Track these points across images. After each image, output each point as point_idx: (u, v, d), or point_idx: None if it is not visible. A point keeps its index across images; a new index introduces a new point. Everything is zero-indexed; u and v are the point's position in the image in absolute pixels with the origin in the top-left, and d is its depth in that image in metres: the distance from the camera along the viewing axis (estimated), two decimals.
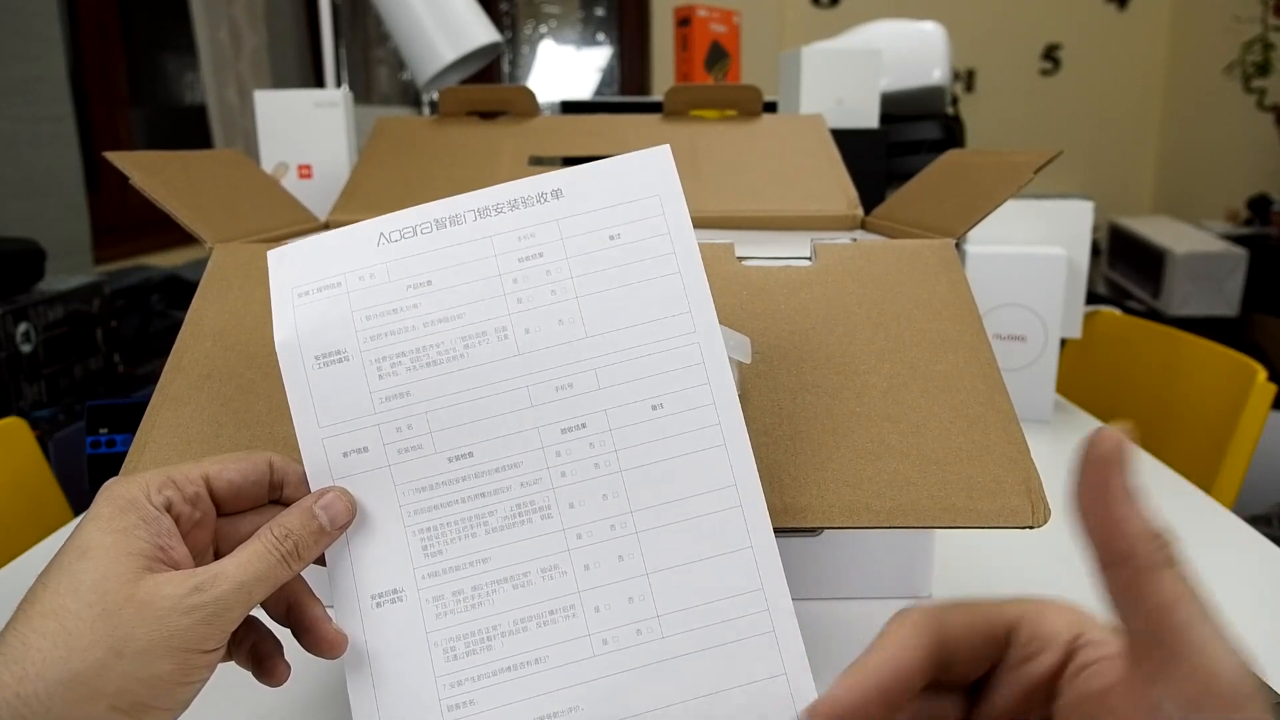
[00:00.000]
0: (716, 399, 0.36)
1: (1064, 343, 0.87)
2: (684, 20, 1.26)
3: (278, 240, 0.60)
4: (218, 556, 0.34)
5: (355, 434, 0.36)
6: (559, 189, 0.38)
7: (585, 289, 0.37)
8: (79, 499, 0.84)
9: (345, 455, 0.36)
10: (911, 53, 1.16)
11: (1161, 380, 1.03)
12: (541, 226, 0.38)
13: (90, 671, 0.28)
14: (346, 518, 0.35)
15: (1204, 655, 0.22)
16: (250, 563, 0.31)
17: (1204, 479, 0.84)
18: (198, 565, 0.32)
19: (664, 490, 0.36)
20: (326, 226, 0.69)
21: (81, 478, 0.72)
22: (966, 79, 3.15)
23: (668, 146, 0.39)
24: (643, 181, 0.38)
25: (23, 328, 1.06)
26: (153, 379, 1.27)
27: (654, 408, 0.36)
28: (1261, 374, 0.86)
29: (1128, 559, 0.23)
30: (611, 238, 0.38)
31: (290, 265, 0.38)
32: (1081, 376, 1.14)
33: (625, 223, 0.38)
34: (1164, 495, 0.69)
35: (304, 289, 0.38)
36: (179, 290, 1.53)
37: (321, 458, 0.36)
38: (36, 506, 0.82)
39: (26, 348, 1.06)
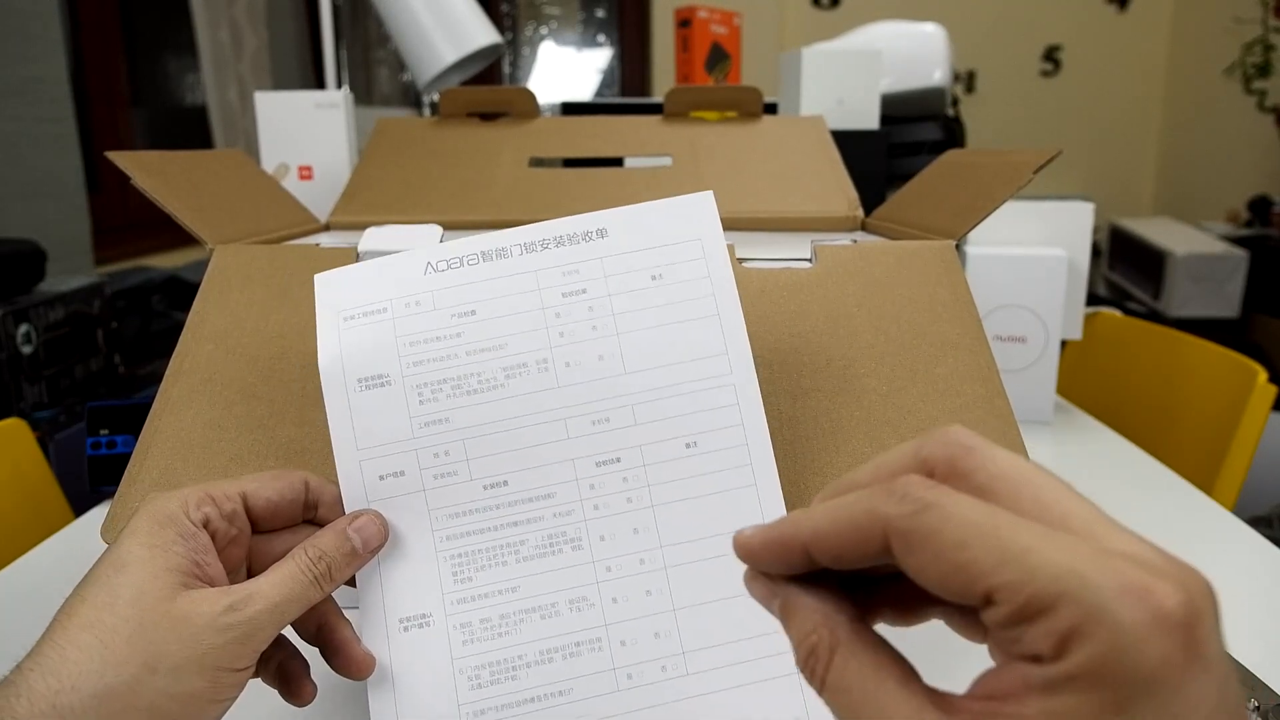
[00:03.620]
0: (749, 439, 0.37)
1: (1064, 344, 0.87)
2: (684, 21, 1.26)
3: (279, 241, 0.60)
4: (251, 574, 0.34)
5: (393, 458, 0.36)
6: (604, 228, 0.39)
7: (626, 326, 0.38)
8: (79, 500, 0.84)
9: (382, 478, 0.36)
10: (912, 54, 1.16)
11: (1162, 381, 1.03)
12: (586, 263, 0.38)
13: (124, 686, 0.28)
14: (379, 541, 0.35)
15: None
16: (283, 583, 0.32)
17: (1205, 480, 0.84)
18: (231, 582, 0.33)
19: (694, 527, 0.36)
20: (327, 228, 0.69)
21: (82, 479, 0.72)
22: (967, 80, 3.15)
23: (711, 192, 0.39)
24: (685, 224, 0.39)
25: (23, 329, 1.06)
26: (153, 380, 1.27)
27: (687, 446, 0.37)
28: (1262, 375, 0.86)
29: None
30: (653, 278, 0.38)
31: (337, 289, 0.39)
32: (1082, 378, 1.14)
33: (667, 264, 0.38)
34: (1164, 496, 0.69)
35: (350, 313, 0.38)
36: (180, 291, 1.53)
37: (358, 479, 0.36)
38: (37, 507, 0.82)
39: (27, 349, 1.07)
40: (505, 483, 0.36)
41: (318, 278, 0.39)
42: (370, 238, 0.56)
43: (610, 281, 0.38)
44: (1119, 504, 0.27)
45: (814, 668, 0.22)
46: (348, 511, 0.36)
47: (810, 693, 0.35)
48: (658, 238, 0.39)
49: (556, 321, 0.38)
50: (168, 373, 0.46)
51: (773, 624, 0.35)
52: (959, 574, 0.19)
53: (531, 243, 0.39)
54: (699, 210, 0.39)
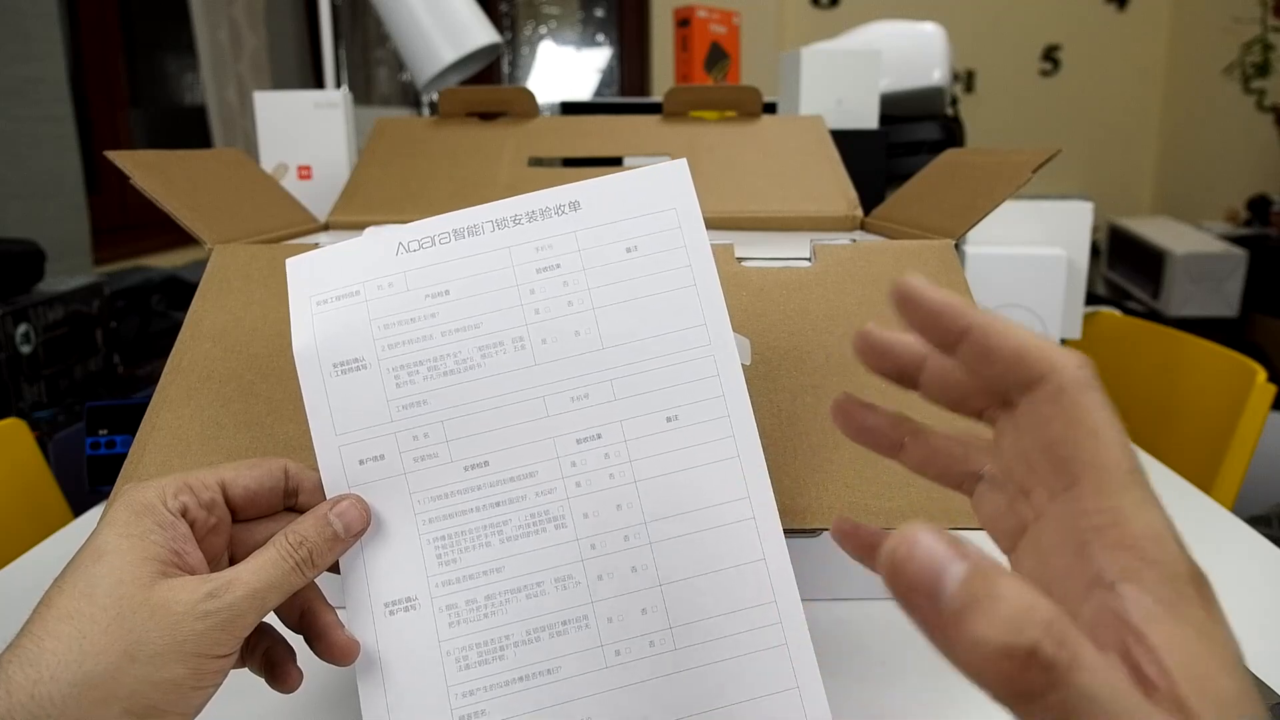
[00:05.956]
0: (731, 411, 0.37)
1: (1064, 343, 0.87)
2: (684, 21, 1.26)
3: (278, 240, 0.60)
4: (232, 562, 0.34)
5: (372, 442, 0.36)
6: (577, 201, 0.38)
7: (602, 300, 0.37)
8: (79, 499, 0.84)
9: (361, 463, 0.36)
10: (911, 53, 1.16)
11: (1161, 381, 1.03)
12: (559, 238, 0.38)
13: (104, 675, 0.28)
14: (361, 525, 0.35)
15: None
16: (264, 569, 0.32)
17: (1204, 479, 0.84)
18: (212, 571, 0.32)
19: (678, 502, 0.36)
20: (326, 228, 0.69)
21: (81, 478, 0.72)
22: (966, 80, 3.15)
23: (685, 160, 0.39)
24: (660, 195, 0.38)
25: (22, 328, 1.06)
26: (153, 380, 1.27)
27: (669, 419, 0.37)
28: (1261, 374, 0.86)
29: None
30: (628, 250, 0.38)
31: (309, 273, 0.38)
32: None
33: (642, 235, 0.38)
34: (1163, 495, 0.69)
35: (323, 297, 0.38)
36: (179, 291, 1.53)
37: (337, 465, 0.36)
38: (36, 507, 0.82)
39: (26, 348, 1.06)
40: (486, 463, 0.36)
41: (289, 262, 0.39)
42: (368, 237, 0.56)
43: (584, 255, 0.38)
44: None
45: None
46: (329, 497, 0.36)
47: (800, 663, 0.35)
48: (631, 209, 0.38)
49: (531, 298, 0.37)
50: (165, 370, 0.46)
51: (761, 597, 0.35)
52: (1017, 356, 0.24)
53: (503, 219, 0.38)
54: (673, 179, 0.39)
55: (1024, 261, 0.82)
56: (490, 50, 1.10)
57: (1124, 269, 2.69)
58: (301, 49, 2.95)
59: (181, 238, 0.87)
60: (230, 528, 0.35)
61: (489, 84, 0.82)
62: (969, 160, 0.59)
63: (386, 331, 0.37)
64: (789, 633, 0.35)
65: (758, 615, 0.35)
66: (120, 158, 0.52)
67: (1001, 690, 0.18)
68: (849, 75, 0.95)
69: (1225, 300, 2.33)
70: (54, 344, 1.12)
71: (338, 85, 1.08)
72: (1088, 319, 1.14)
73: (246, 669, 0.35)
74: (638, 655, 0.35)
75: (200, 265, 1.21)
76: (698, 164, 0.74)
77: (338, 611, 0.35)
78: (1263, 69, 2.60)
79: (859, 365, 0.47)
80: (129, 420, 0.72)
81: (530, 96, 0.79)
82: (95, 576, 0.29)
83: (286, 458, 0.36)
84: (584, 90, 3.36)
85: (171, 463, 0.43)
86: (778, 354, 0.46)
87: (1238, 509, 0.72)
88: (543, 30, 3.38)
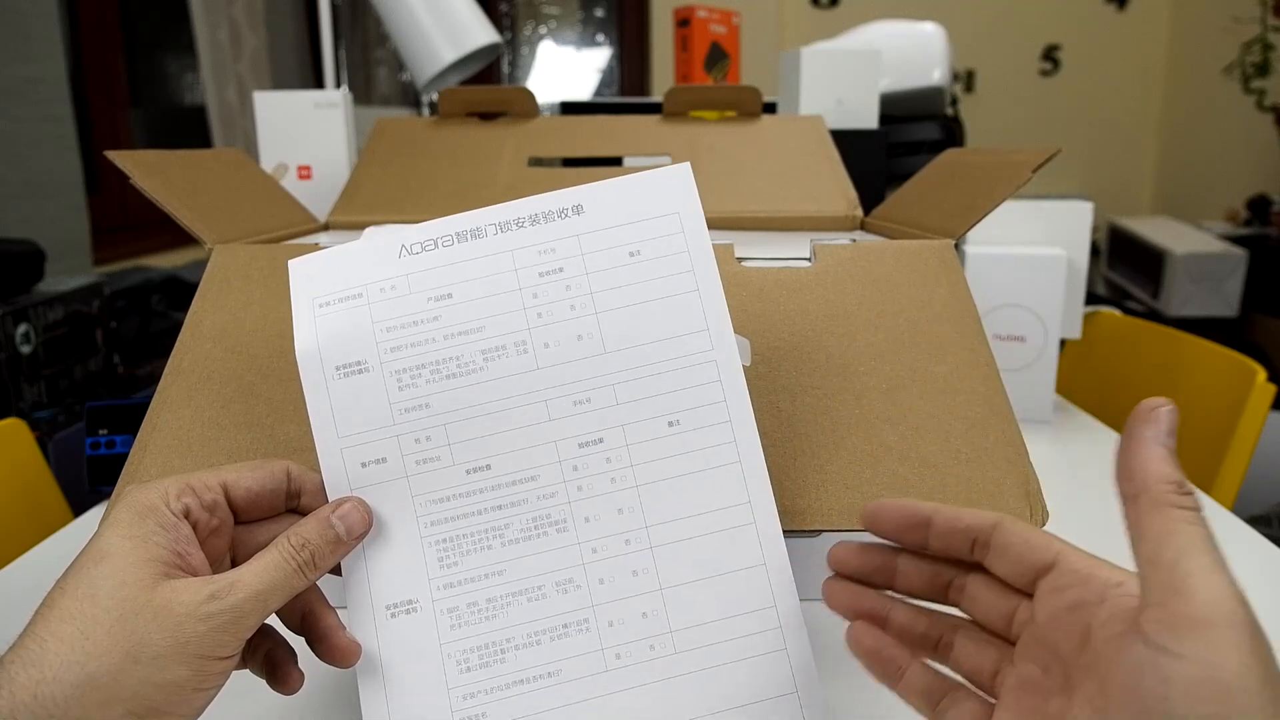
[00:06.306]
0: (732, 416, 0.37)
1: (1064, 343, 0.87)
2: (683, 21, 1.26)
3: (278, 240, 0.60)
4: (234, 564, 0.34)
5: (374, 444, 0.36)
6: (580, 204, 0.38)
7: (604, 305, 0.37)
8: (79, 500, 0.84)
9: (364, 465, 0.36)
10: (911, 53, 1.16)
11: (1161, 381, 1.03)
12: (562, 242, 0.38)
13: (106, 676, 0.28)
14: (363, 528, 0.35)
15: (1186, 580, 0.24)
16: (266, 571, 0.32)
17: (1204, 479, 0.84)
18: (215, 572, 0.32)
19: (678, 506, 0.36)
20: (326, 228, 0.69)
21: (81, 478, 0.72)
22: (966, 80, 3.15)
23: (688, 164, 0.39)
24: (663, 199, 0.38)
25: (22, 329, 1.06)
26: (152, 380, 1.27)
27: (670, 424, 0.37)
28: (1261, 374, 0.86)
29: (1140, 494, 0.26)
30: (631, 254, 0.38)
31: (312, 275, 0.38)
32: (1081, 377, 1.14)
33: (645, 239, 0.38)
34: None
35: (325, 299, 0.38)
36: (179, 291, 1.53)
37: (340, 467, 0.36)
38: (36, 507, 0.82)
39: (26, 349, 1.06)
40: (488, 466, 0.36)
41: (292, 264, 0.39)
42: (369, 237, 0.56)
43: (587, 260, 0.38)
44: (1118, 503, 0.27)
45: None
46: (331, 499, 0.36)
47: (799, 668, 0.35)
48: (635, 213, 0.38)
49: (534, 302, 0.37)
50: (166, 371, 0.46)
51: (761, 601, 0.35)
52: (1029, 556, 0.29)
53: (506, 222, 0.38)
54: (676, 183, 0.38)
55: (1024, 261, 0.82)
56: (490, 50, 1.10)
57: (1124, 269, 2.70)
58: (301, 49, 2.95)
59: (181, 238, 0.87)
60: (232, 529, 0.35)
61: (489, 84, 0.82)
62: (969, 160, 0.59)
63: (389, 334, 0.37)
64: (789, 637, 0.35)
65: (758, 620, 0.35)
66: (120, 158, 0.52)
67: (1149, 488, 0.26)
68: (849, 75, 0.95)
69: (1225, 300, 2.33)
70: (54, 344, 1.12)
71: (338, 85, 1.08)
72: (1088, 319, 1.14)
73: (248, 670, 0.35)
74: (638, 659, 0.35)
75: (200, 265, 1.21)
76: (698, 164, 0.74)
77: (339, 613, 0.35)
78: (1263, 69, 2.60)
79: (859, 365, 0.47)
80: (129, 420, 0.72)
81: (530, 96, 0.79)
82: (98, 578, 0.29)
83: (288, 459, 0.36)
84: (584, 90, 3.36)
85: (172, 464, 0.43)
86: (778, 354, 0.46)
87: (1238, 509, 0.72)
88: (543, 30, 3.38)
